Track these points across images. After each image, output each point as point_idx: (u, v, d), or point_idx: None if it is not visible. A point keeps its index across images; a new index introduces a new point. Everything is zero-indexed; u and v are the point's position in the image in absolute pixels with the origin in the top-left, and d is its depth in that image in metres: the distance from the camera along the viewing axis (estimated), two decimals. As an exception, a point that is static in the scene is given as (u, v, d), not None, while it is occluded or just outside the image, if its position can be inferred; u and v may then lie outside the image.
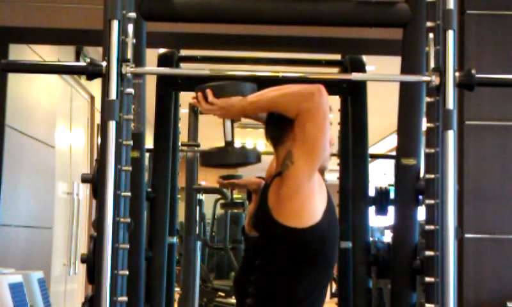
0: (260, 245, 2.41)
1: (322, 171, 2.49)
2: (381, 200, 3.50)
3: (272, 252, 2.34)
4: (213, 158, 2.51)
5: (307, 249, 2.29)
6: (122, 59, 2.38)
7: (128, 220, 2.43)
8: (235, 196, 7.98)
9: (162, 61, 3.86)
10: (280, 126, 2.32)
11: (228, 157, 2.45)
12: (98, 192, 2.40)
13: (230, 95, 2.31)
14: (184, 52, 4.11)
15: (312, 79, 2.29)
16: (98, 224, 2.34)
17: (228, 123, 2.43)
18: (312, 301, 2.33)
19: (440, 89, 2.41)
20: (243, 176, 4.62)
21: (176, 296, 5.30)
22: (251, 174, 4.62)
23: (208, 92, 2.31)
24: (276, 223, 2.30)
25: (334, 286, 9.87)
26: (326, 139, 2.24)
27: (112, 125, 2.32)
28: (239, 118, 2.42)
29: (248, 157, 2.46)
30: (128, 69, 2.40)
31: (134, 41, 2.47)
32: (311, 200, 2.28)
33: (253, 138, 12.35)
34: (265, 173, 3.49)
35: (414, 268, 2.81)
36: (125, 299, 2.38)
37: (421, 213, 2.76)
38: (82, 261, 2.56)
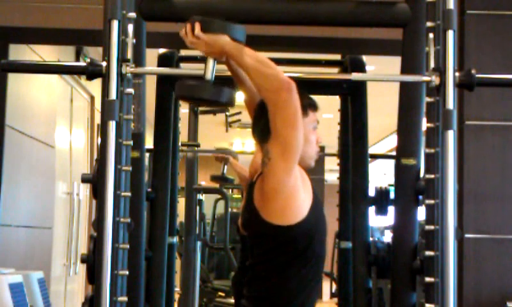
0: (249, 245, 2.41)
1: (322, 170, 2.48)
2: (381, 200, 3.49)
3: (261, 252, 2.33)
4: (185, 90, 2.41)
5: (295, 246, 2.29)
6: (122, 59, 2.39)
7: (128, 220, 2.43)
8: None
9: (162, 61, 3.86)
10: (266, 125, 2.31)
11: (200, 91, 2.36)
12: (98, 192, 2.41)
13: (217, 33, 2.27)
14: (183, 52, 4.11)
15: (312, 79, 2.28)
16: (98, 224, 2.35)
17: (211, 61, 2.37)
18: (304, 298, 2.32)
19: (440, 89, 2.41)
20: (238, 156, 4.68)
21: (176, 296, 5.31)
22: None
23: (197, 25, 2.27)
24: (262, 222, 2.29)
25: (334, 286, 9.86)
26: (299, 135, 2.21)
27: (112, 125, 2.33)
28: (221, 59, 2.37)
29: (221, 97, 2.37)
30: (128, 69, 2.41)
31: (134, 41, 2.47)
32: (295, 197, 2.27)
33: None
34: (248, 169, 3.50)
35: (414, 268, 2.81)
36: (125, 299, 2.39)
37: (421, 213, 2.76)
38: (82, 261, 2.56)
